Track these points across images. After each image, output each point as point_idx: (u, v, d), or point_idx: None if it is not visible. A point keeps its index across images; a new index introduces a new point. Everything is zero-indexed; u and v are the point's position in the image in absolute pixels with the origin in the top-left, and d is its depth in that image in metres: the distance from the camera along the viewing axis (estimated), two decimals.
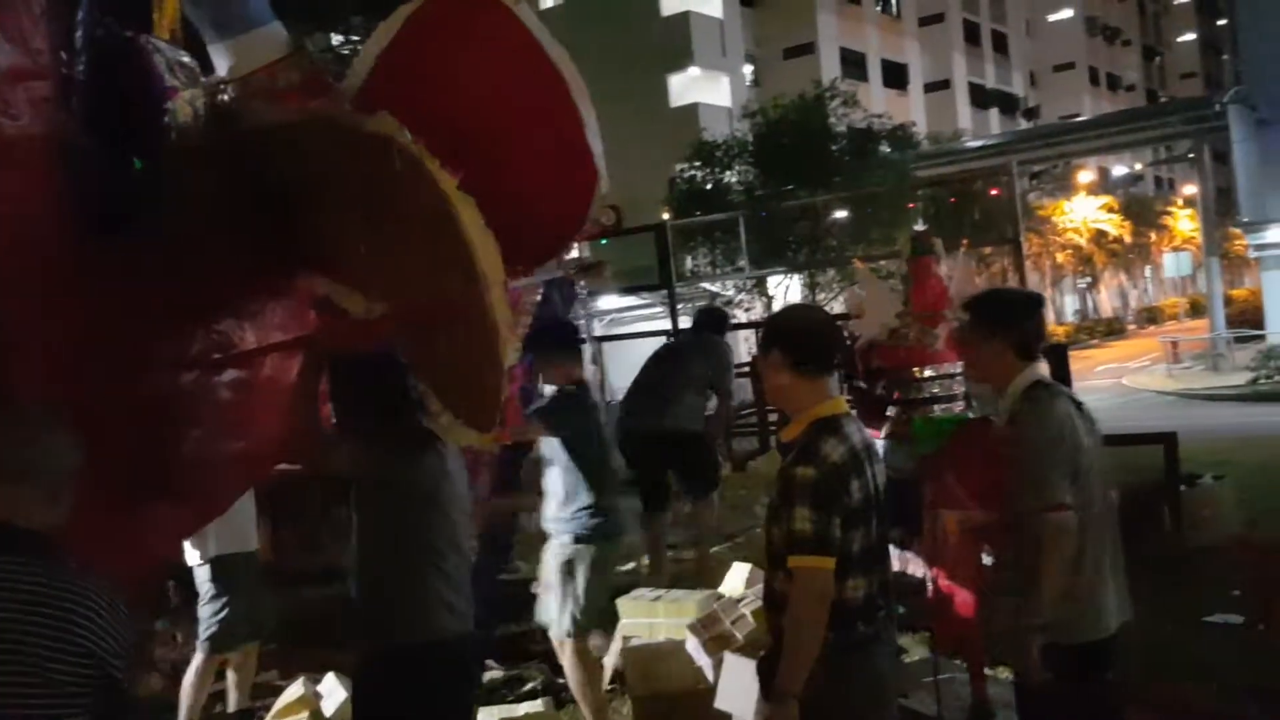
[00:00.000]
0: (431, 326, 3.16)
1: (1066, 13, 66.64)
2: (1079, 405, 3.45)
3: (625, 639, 5.29)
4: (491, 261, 2.79)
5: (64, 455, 2.33)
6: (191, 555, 5.37)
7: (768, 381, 3.08)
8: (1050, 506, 3.18)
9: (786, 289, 23.63)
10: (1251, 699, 5.01)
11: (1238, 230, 32.33)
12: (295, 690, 5.56)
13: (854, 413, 3.14)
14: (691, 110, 35.94)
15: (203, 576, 5.41)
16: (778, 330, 3.10)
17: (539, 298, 5.36)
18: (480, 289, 2.79)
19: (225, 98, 3.21)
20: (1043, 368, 3.46)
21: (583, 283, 6.81)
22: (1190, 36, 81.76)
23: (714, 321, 8.26)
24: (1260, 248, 27.15)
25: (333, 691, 5.42)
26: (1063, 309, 53.54)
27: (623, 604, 5.40)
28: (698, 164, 25.30)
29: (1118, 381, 26.97)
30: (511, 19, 3.44)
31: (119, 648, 2.25)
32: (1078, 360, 23.02)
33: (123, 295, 2.92)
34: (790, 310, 3.30)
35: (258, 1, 3.44)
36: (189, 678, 5.37)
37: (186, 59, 3.26)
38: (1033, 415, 3.31)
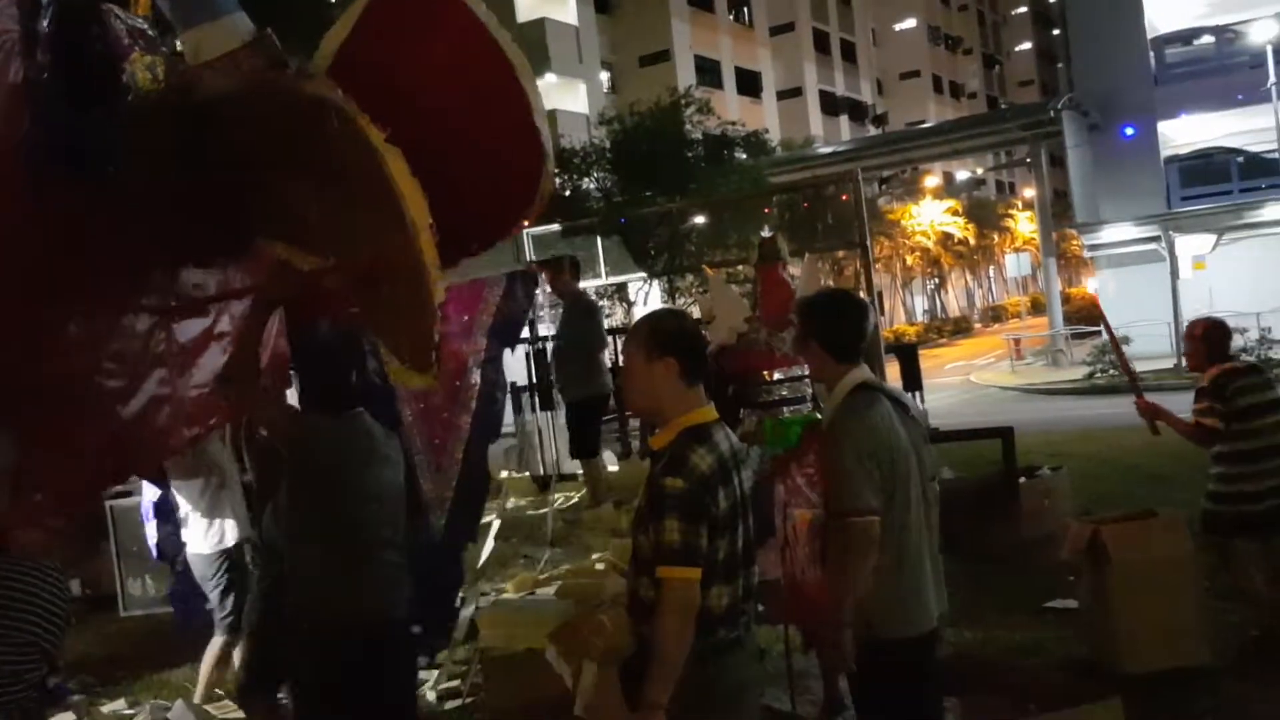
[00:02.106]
0: (374, 276, 3.31)
1: (910, 22, 68.98)
2: (902, 405, 3.54)
3: (484, 650, 5.24)
4: (418, 207, 2.97)
5: None
6: (205, 544, 5.47)
7: (645, 387, 2.99)
8: (856, 511, 3.26)
9: (646, 295, 23.80)
10: (1082, 675, 5.26)
11: (1074, 231, 33.94)
12: (143, 718, 5.39)
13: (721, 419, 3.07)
14: (549, 117, 35.87)
15: (215, 565, 5.51)
16: (674, 340, 2.97)
17: (502, 291, 5.47)
18: (410, 233, 2.96)
19: (185, 75, 3.40)
20: (866, 370, 3.50)
21: (544, 276, 6.87)
22: (1027, 46, 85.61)
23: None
24: (1094, 248, 28.55)
25: (181, 717, 5.26)
26: (914, 309, 55.35)
27: (482, 615, 5.35)
28: (556, 170, 25.24)
29: (966, 378, 28.01)
30: (461, 6, 3.64)
31: (57, 628, 2.50)
32: (928, 359, 23.84)
33: (78, 230, 3.10)
34: (673, 317, 3.19)
35: None
36: (207, 660, 5.62)
37: (145, 27, 3.45)
38: (847, 422, 3.38)
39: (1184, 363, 6.57)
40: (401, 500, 4.04)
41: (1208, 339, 5.56)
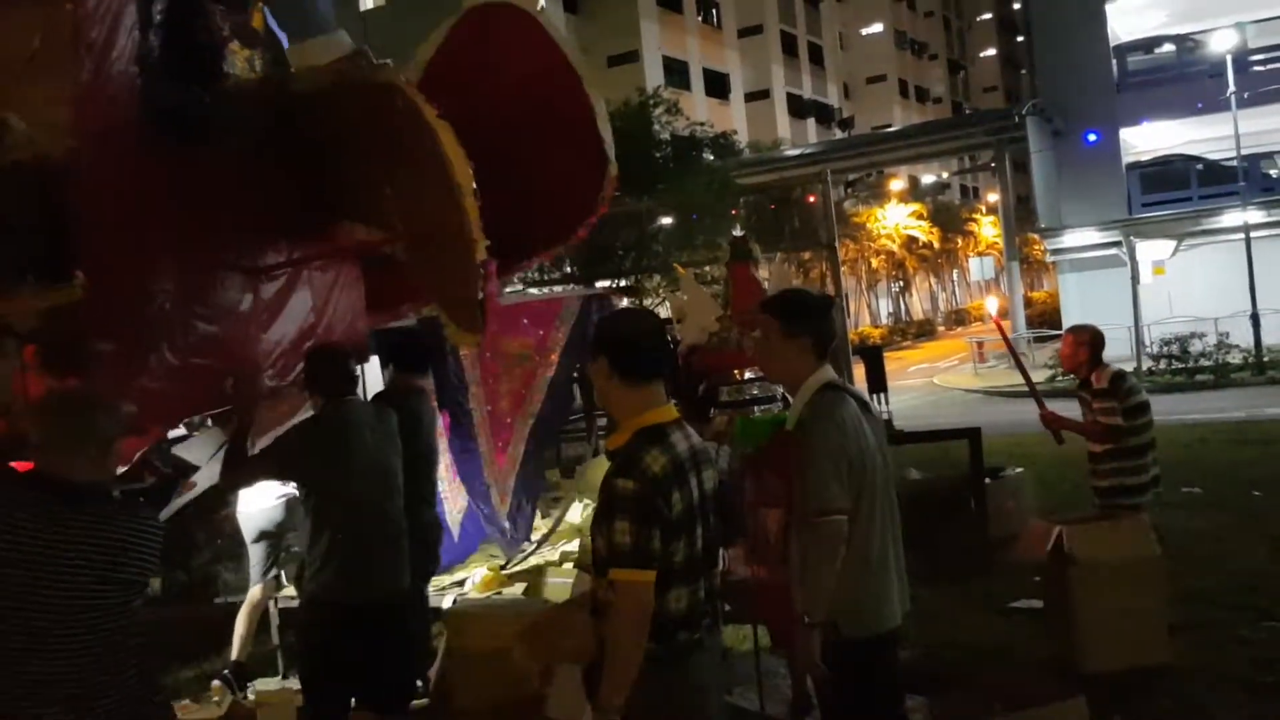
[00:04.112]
0: (432, 245, 3.70)
1: (877, 27, 69.41)
2: (865, 406, 3.55)
3: (451, 649, 5.20)
4: (464, 174, 3.34)
5: (108, 429, 2.95)
6: (264, 497, 5.86)
7: (596, 388, 3.05)
8: (826, 511, 3.27)
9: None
10: (1046, 675, 5.31)
11: (1036, 236, 34.26)
12: None
13: (681, 419, 3.07)
14: None
15: (272, 517, 5.94)
16: (604, 338, 3.02)
17: (578, 311, 5.90)
18: (458, 197, 3.33)
19: (281, 76, 3.91)
20: (831, 371, 3.50)
21: (619, 300, 7.30)
22: (992, 52, 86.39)
23: None
24: (1056, 252, 28.84)
25: None
26: (878, 312, 55.64)
27: (449, 614, 5.32)
28: None
29: (929, 381, 28.19)
30: (533, 22, 4.09)
31: (152, 562, 2.94)
32: (892, 361, 24.00)
33: (180, 192, 3.55)
34: (617, 317, 3.25)
35: (326, 11, 4.39)
36: (244, 613, 6.03)
37: (247, 21, 3.91)
38: (817, 421, 3.37)
39: (1061, 363, 6.90)
40: (394, 479, 4.37)
41: (1093, 345, 5.83)
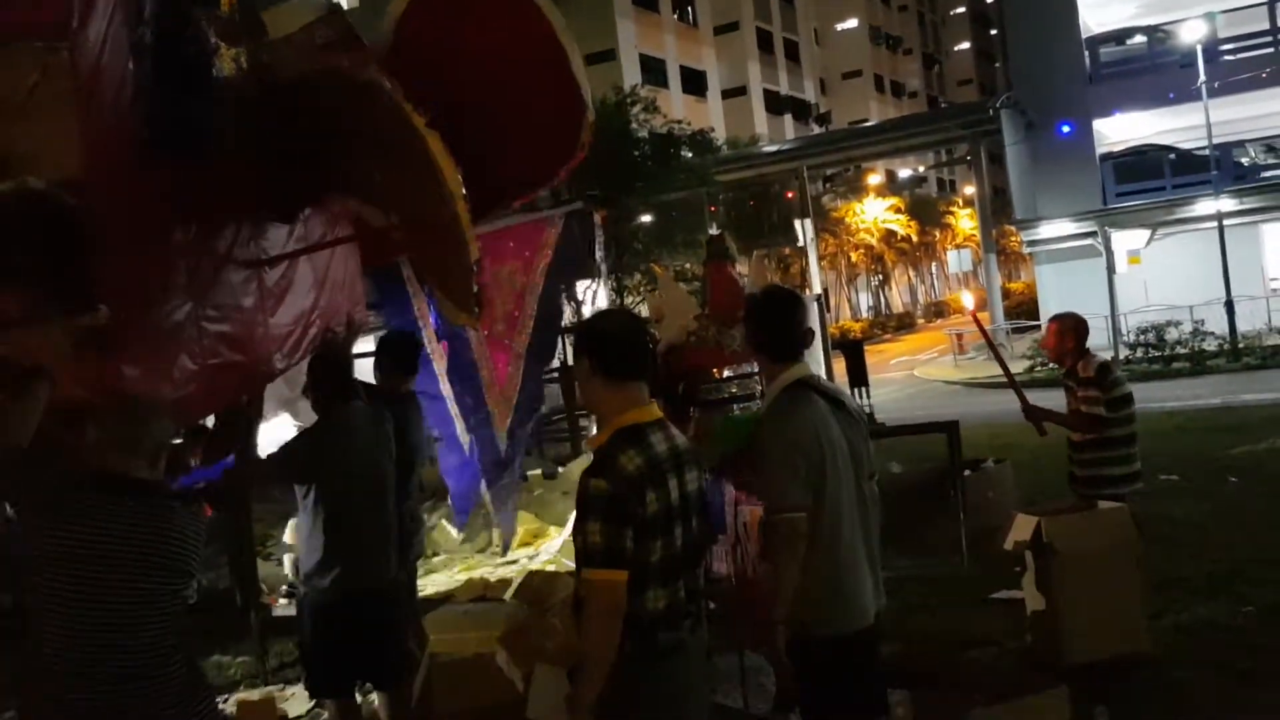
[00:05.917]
0: (427, 233, 3.84)
1: (852, 22, 69.58)
2: (839, 403, 3.52)
3: (433, 655, 5.19)
4: (454, 180, 3.46)
5: (162, 434, 3.29)
6: None
7: (579, 387, 3.06)
8: (783, 508, 3.26)
9: (594, 294, 23.74)
10: (1028, 667, 5.34)
11: (1013, 227, 34.38)
12: None
13: (664, 419, 3.05)
14: None
15: None
16: (586, 338, 3.02)
17: (560, 228, 6.01)
18: (450, 201, 3.46)
19: (265, 57, 3.96)
20: (804, 367, 3.49)
21: (599, 217, 7.26)
22: (966, 46, 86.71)
23: None
24: (1033, 244, 28.95)
25: None
26: (858, 306, 55.79)
27: (430, 619, 5.30)
28: None
29: (910, 373, 28.28)
30: None
31: (198, 552, 3.21)
32: (873, 354, 24.07)
33: (183, 199, 3.70)
34: (600, 316, 3.24)
35: None
36: None
37: (231, 17, 3.99)
38: (774, 419, 3.38)
39: (1045, 352, 6.94)
40: (388, 479, 4.58)
41: (1077, 332, 5.85)
